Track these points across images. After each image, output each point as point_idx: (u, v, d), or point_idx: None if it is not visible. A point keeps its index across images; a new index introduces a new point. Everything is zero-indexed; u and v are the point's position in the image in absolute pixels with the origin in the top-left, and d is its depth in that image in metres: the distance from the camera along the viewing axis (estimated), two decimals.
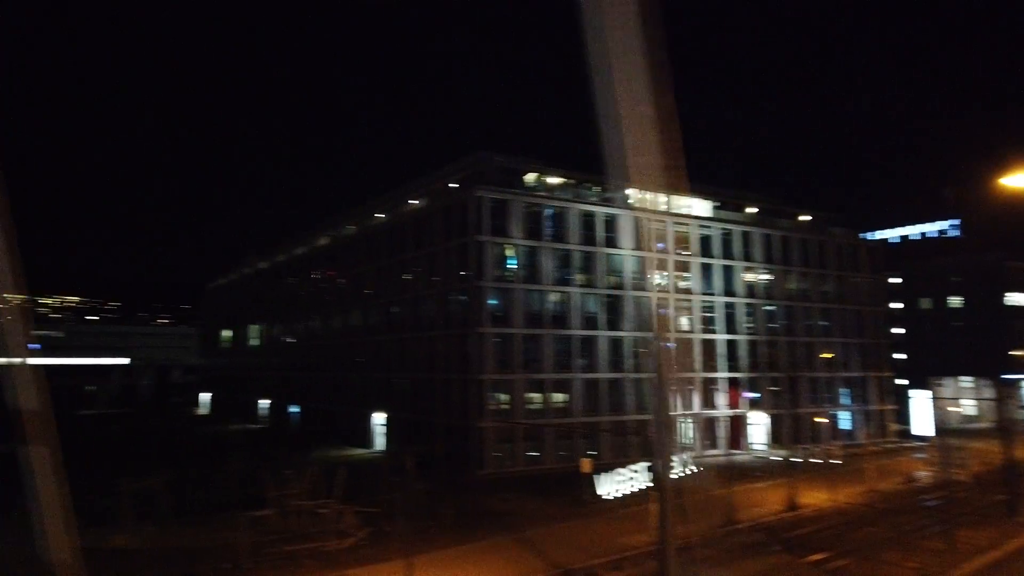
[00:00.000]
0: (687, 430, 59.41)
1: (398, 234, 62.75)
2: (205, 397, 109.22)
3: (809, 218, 74.03)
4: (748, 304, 64.93)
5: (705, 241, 63.38)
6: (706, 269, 63.03)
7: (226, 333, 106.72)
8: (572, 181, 59.21)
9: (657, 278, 59.89)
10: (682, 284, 61.53)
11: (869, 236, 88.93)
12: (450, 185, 59.08)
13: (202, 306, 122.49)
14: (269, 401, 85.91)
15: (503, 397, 51.47)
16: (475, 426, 49.82)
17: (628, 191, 59.82)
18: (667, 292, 60.09)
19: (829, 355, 68.91)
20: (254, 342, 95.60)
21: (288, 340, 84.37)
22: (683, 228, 62.08)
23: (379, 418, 62.38)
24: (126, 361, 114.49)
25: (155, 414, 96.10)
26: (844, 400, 69.13)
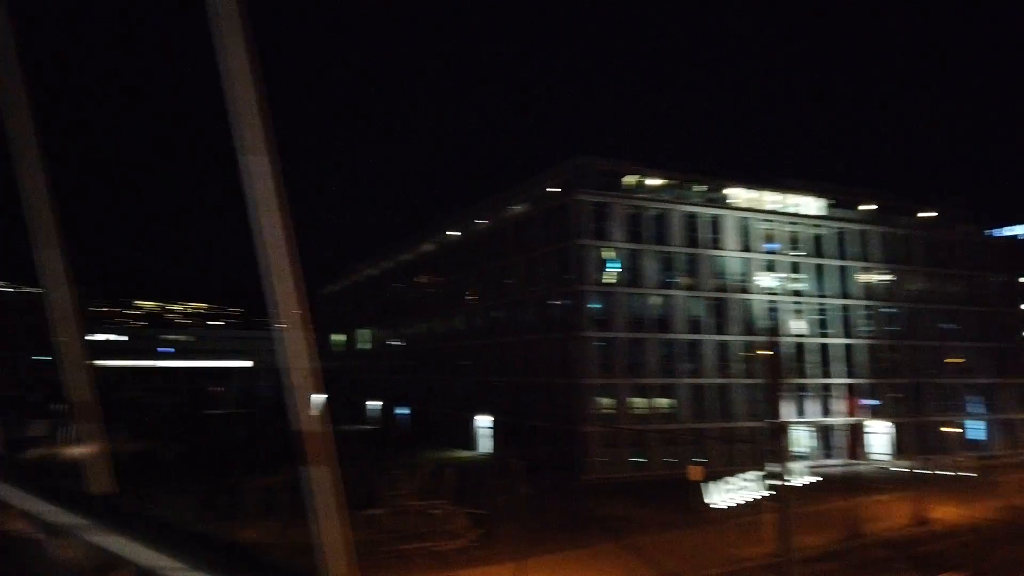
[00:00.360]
0: (803, 438, 56.95)
1: (499, 239, 63.48)
2: (317, 399, 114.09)
3: (934, 214, 69.44)
4: (866, 306, 61.63)
5: (818, 241, 60.67)
6: (820, 270, 60.32)
7: (337, 337, 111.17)
8: (674, 182, 58.10)
9: (767, 280, 57.87)
10: (794, 286, 59.13)
11: (1000, 232, 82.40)
12: (550, 189, 59.24)
13: (315, 311, 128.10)
14: (378, 403, 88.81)
15: (606, 402, 51.06)
16: (579, 431, 49.64)
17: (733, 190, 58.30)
18: (778, 294, 57.94)
19: (957, 360, 64.37)
20: (364, 346, 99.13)
21: (395, 344, 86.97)
22: (794, 227, 59.72)
23: (482, 421, 63.25)
24: (250, 364, 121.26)
25: (273, 414, 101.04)
26: (974, 408, 64.35)
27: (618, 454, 50.34)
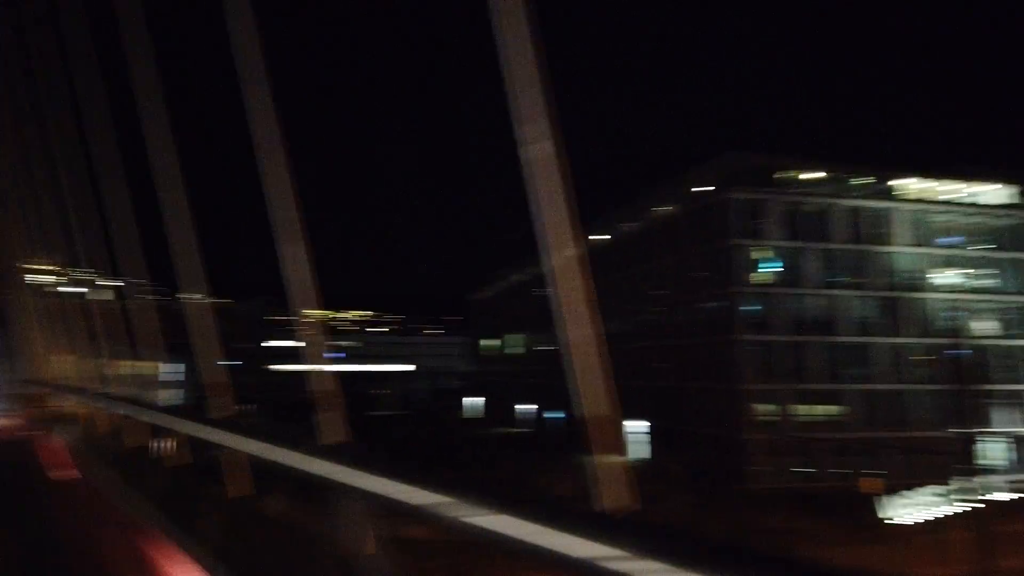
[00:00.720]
0: (996, 450, 51.49)
1: (647, 241, 62.61)
2: (470, 401, 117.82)
3: None
4: None
5: (1007, 233, 54.80)
6: (1009, 265, 54.43)
7: (489, 342, 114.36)
8: (834, 175, 54.68)
9: (946, 277, 53.06)
10: (978, 283, 53.74)
11: None
12: (701, 189, 57.66)
13: (467, 317, 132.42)
14: (530, 406, 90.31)
15: (766, 408, 48.89)
16: (738, 438, 47.88)
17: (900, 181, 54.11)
18: (959, 292, 52.91)
19: None
20: (514, 350, 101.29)
21: (544, 348, 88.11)
22: (976, 219, 54.36)
23: (634, 426, 62.53)
24: (411, 368, 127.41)
25: (429, 417, 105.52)
26: None
27: (781, 463, 47.96)
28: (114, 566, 5.67)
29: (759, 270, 50.54)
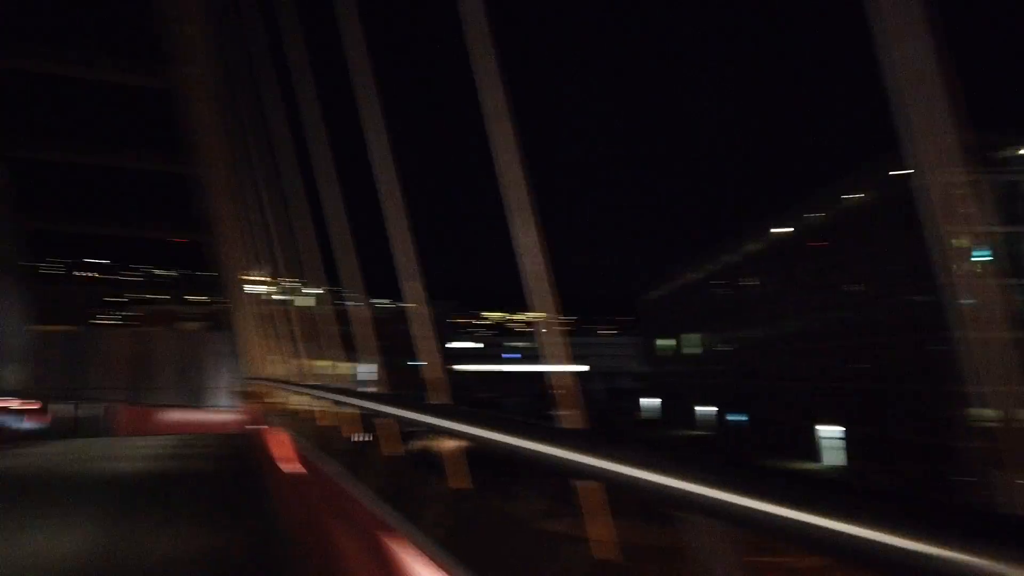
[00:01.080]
0: None
1: (836, 231, 58.27)
2: (646, 402, 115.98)
3: None
4: None
5: None
6: None
7: (664, 341, 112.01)
8: None
9: None
10: None
11: None
12: (898, 171, 52.74)
13: (640, 316, 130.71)
14: (710, 408, 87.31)
15: (987, 413, 43.59)
16: (954, 447, 43.12)
17: None
18: None
19: None
20: (691, 350, 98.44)
21: (724, 348, 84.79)
22: None
23: (826, 430, 58.45)
24: (585, 368, 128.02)
25: (602, 417, 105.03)
26: None
27: (1009, 476, 42.55)
28: (354, 558, 6.00)
29: (972, 259, 45.33)
